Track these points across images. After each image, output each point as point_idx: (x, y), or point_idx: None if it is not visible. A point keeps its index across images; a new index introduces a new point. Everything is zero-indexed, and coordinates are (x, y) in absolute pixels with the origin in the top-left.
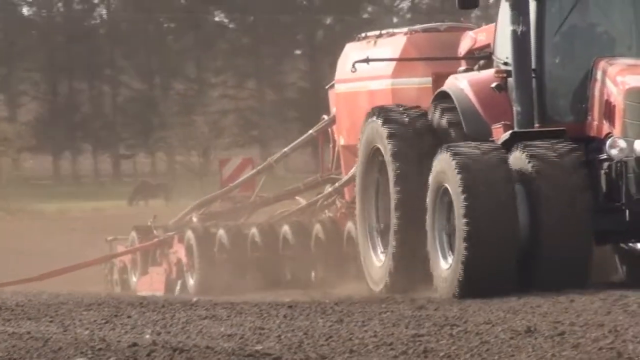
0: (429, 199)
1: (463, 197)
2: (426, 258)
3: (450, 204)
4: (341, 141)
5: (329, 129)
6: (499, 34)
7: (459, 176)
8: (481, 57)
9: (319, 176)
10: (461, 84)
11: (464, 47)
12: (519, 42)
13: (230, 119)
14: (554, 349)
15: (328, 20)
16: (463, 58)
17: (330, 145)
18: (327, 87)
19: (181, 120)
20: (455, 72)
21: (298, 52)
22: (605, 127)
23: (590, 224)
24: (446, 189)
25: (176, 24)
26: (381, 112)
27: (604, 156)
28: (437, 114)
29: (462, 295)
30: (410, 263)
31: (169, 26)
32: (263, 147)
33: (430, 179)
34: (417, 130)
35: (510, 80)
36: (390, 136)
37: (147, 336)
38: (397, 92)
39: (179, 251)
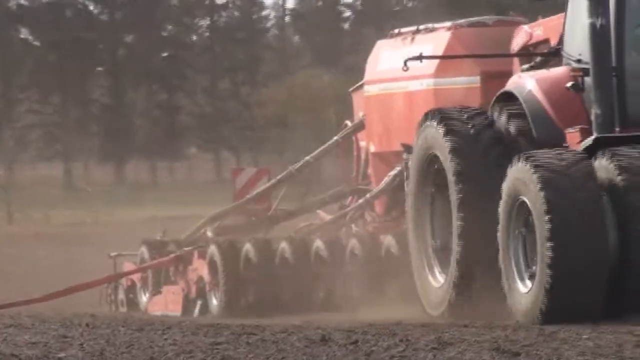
0: (502, 209)
1: (547, 217)
2: (495, 271)
3: (527, 220)
4: (371, 148)
5: (353, 136)
6: (569, 28)
7: (543, 193)
8: (544, 53)
9: (345, 187)
10: (528, 83)
11: (517, 42)
12: (598, 36)
13: (36, 133)
14: (348, 356)
15: (129, 38)
16: (521, 55)
17: (355, 154)
18: (350, 90)
19: None
20: (507, 71)
21: (100, 69)
22: None
23: None
24: (523, 202)
25: None
26: (438, 114)
27: None
28: (500, 117)
29: (545, 322)
30: (477, 277)
31: None
32: (67, 161)
33: (505, 188)
34: (480, 134)
35: (587, 79)
36: (450, 136)
37: None
38: (440, 93)
39: (199, 268)
